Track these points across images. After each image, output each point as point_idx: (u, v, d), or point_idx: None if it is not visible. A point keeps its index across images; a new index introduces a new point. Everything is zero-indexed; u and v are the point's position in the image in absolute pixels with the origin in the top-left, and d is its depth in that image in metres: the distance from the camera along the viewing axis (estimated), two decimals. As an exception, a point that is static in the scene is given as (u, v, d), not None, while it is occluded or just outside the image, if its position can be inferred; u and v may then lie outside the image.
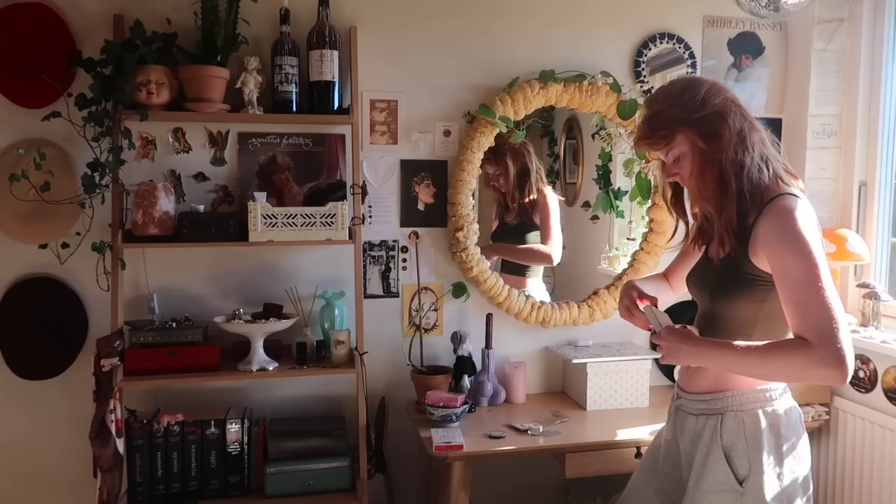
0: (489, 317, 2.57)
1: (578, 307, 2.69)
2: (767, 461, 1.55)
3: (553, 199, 2.77)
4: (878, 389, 2.44)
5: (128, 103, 2.16)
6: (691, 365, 1.65)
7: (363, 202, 2.42)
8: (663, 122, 1.58)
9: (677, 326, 1.63)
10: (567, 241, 2.77)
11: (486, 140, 2.51)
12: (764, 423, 1.57)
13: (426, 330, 2.62)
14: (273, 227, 2.20)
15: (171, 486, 2.25)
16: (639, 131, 1.65)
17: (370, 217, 2.53)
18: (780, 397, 1.60)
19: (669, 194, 1.74)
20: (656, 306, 1.72)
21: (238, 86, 2.25)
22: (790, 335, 1.50)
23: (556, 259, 2.75)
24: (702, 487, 1.58)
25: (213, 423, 2.27)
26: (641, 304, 1.73)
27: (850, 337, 1.41)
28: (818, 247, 1.46)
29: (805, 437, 1.63)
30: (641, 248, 2.73)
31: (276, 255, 2.47)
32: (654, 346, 1.68)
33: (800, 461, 1.59)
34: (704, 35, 2.76)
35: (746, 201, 1.54)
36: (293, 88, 2.30)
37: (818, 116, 2.74)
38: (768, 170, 1.55)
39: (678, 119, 1.56)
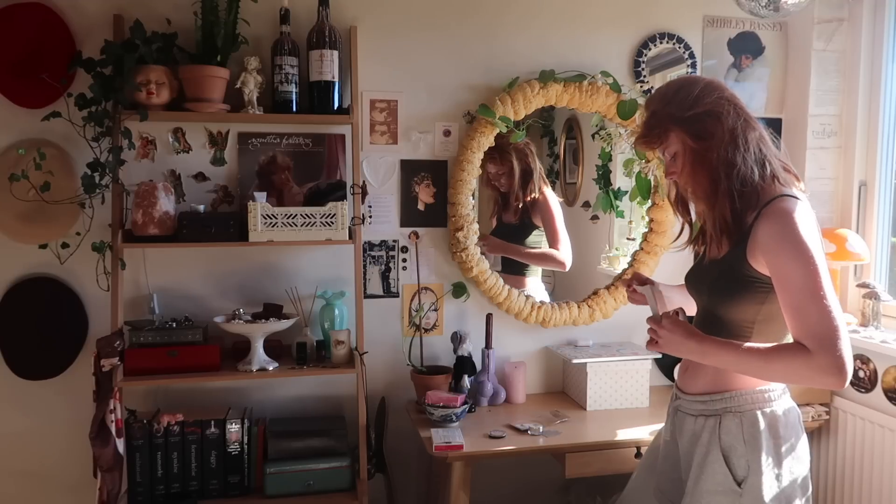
0: (489, 317, 2.57)
1: (578, 307, 2.69)
2: (766, 462, 1.54)
3: (554, 200, 2.76)
4: (878, 389, 2.44)
5: (128, 103, 2.16)
6: (691, 359, 1.64)
7: (363, 202, 2.42)
8: (658, 121, 1.60)
9: (671, 312, 1.63)
10: (567, 242, 2.77)
11: (486, 140, 2.51)
12: (763, 425, 1.56)
13: (426, 330, 2.62)
14: (273, 227, 2.20)
15: (171, 486, 2.25)
16: (638, 131, 1.67)
17: (370, 217, 2.53)
18: (779, 398, 1.60)
19: (673, 193, 1.75)
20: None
21: (238, 86, 2.25)
22: (789, 337, 1.50)
23: (569, 264, 2.74)
24: (701, 488, 1.58)
25: (213, 423, 2.27)
26: (640, 287, 1.76)
27: (849, 343, 1.41)
28: (818, 251, 1.46)
29: (804, 438, 1.63)
30: (641, 248, 2.73)
31: (276, 255, 2.47)
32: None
33: (798, 462, 1.59)
34: (704, 35, 2.76)
35: (737, 201, 1.53)
36: (293, 88, 2.30)
37: (818, 116, 2.74)
38: (764, 170, 1.54)
39: (671, 117, 1.57)
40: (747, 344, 1.51)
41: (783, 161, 1.60)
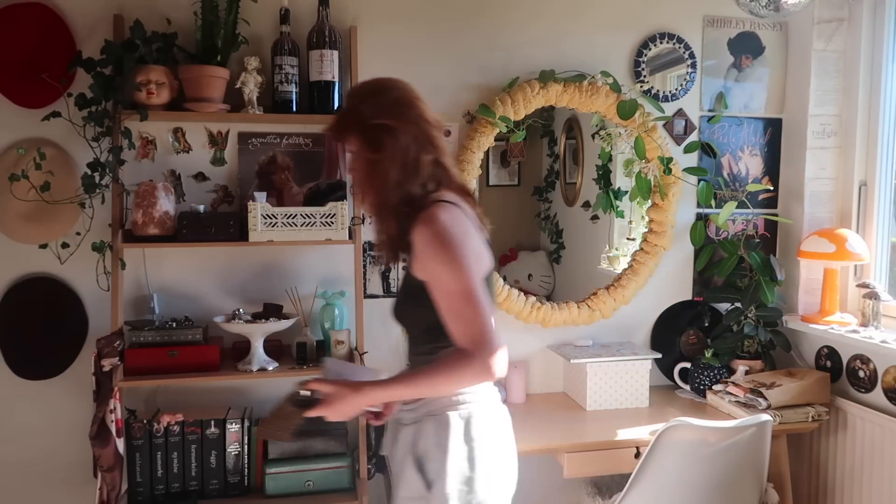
0: (489, 317, 2.56)
1: (578, 307, 2.69)
2: (455, 465, 1.51)
3: None
4: (878, 389, 2.44)
5: (128, 103, 2.16)
6: (371, 406, 1.59)
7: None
8: (343, 117, 1.58)
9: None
10: (567, 241, 2.77)
11: (486, 140, 2.51)
12: (455, 427, 1.53)
13: (426, 330, 2.61)
14: (273, 227, 2.21)
15: (171, 486, 2.25)
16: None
17: (370, 217, 2.53)
18: (476, 401, 1.57)
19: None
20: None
21: (238, 86, 2.25)
22: None
23: None
24: (399, 495, 1.56)
25: (213, 423, 2.27)
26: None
27: (499, 341, 1.42)
28: (468, 251, 1.46)
29: (503, 440, 1.61)
30: (641, 248, 2.73)
31: (276, 255, 2.47)
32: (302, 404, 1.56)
33: (492, 464, 1.55)
34: (704, 35, 2.76)
35: (402, 217, 1.53)
36: (293, 88, 2.30)
37: (818, 116, 2.74)
38: (431, 188, 1.55)
39: (355, 120, 1.55)
40: (409, 373, 1.53)
41: (459, 181, 1.61)
